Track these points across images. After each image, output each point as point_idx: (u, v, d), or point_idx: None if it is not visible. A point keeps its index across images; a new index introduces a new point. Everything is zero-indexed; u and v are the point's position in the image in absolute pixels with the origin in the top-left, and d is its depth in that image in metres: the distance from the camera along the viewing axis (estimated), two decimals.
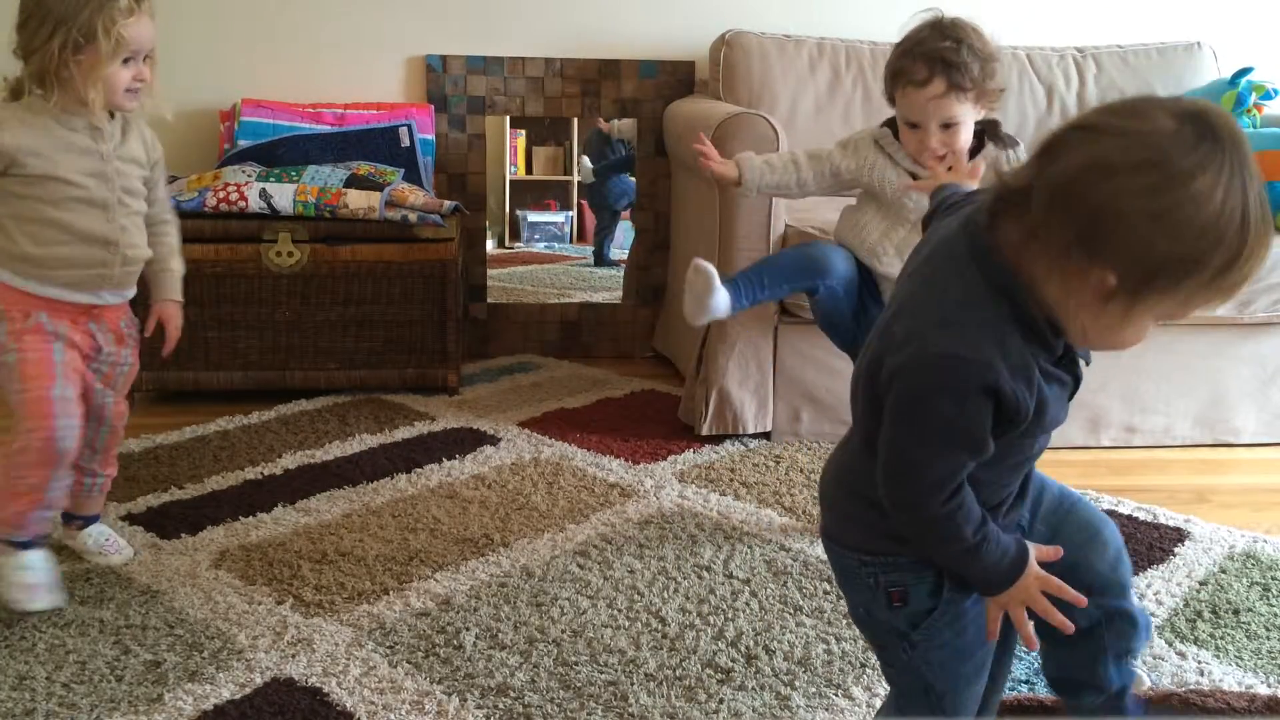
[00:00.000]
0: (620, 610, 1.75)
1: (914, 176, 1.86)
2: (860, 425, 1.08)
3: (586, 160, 4.04)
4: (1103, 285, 0.90)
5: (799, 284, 1.96)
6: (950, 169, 1.76)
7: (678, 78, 3.20)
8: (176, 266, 1.86)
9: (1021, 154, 1.83)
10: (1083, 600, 1.06)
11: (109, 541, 1.87)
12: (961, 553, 1.03)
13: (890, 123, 1.92)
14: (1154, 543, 2.04)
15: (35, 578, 1.68)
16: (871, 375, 1.03)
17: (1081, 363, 1.05)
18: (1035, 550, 1.07)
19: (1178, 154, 0.86)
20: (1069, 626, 1.04)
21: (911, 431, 0.99)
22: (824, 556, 1.94)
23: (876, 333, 1.06)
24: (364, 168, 2.79)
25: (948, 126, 1.78)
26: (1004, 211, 0.97)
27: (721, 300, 1.93)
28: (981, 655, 1.14)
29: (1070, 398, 1.05)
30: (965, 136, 1.80)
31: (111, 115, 1.69)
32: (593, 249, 4.20)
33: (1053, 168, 0.91)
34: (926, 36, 1.77)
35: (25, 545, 1.68)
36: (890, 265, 1.92)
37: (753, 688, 1.55)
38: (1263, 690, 1.57)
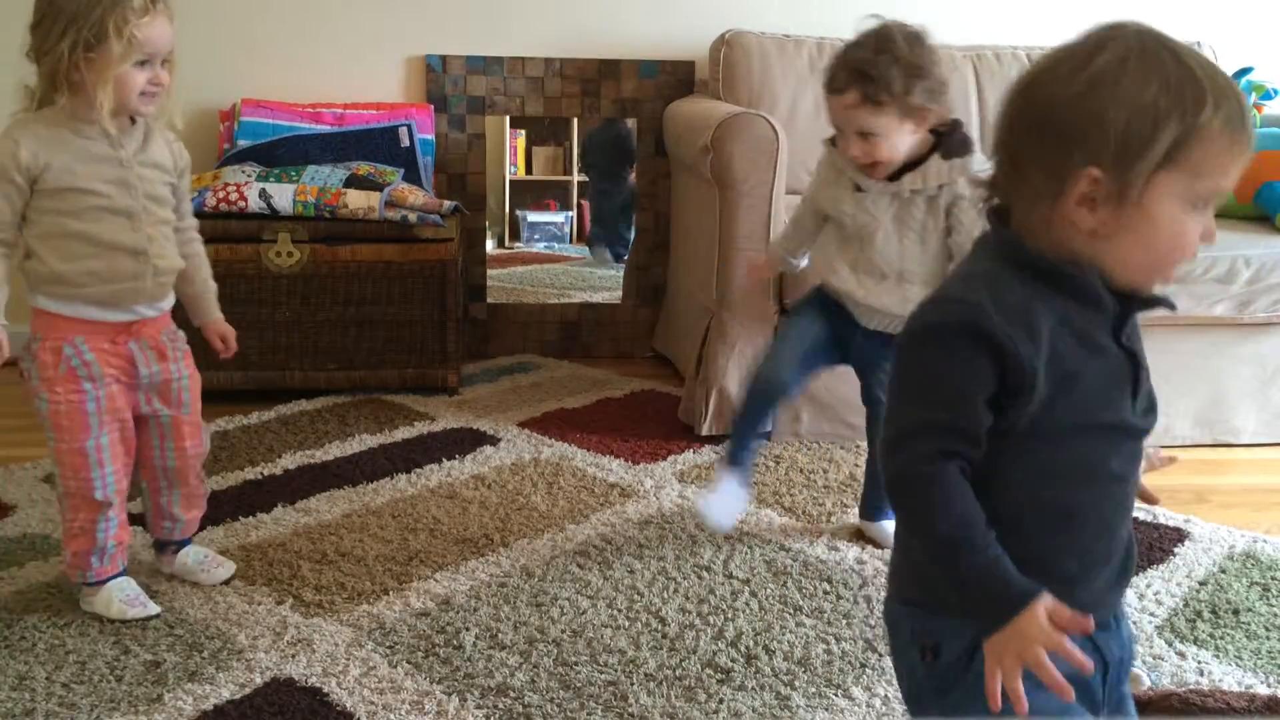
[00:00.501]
0: (620, 610, 1.75)
1: (858, 187, 1.85)
2: None
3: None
4: (1097, 185, 0.87)
5: (768, 411, 2.01)
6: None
7: (678, 78, 3.20)
8: (213, 283, 1.83)
9: (973, 161, 1.78)
10: (1088, 625, 0.87)
11: (208, 558, 1.83)
12: (941, 543, 0.89)
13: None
14: (1154, 543, 2.04)
15: (132, 592, 1.71)
16: None
17: (1140, 345, 0.94)
18: (1056, 604, 0.86)
19: (1079, 44, 0.90)
20: (1069, 694, 0.85)
21: (898, 381, 0.94)
22: (824, 556, 1.94)
23: None
24: (364, 168, 2.79)
25: (866, 136, 1.76)
26: (998, 206, 0.96)
27: (736, 494, 1.96)
28: None
29: (1134, 390, 0.94)
30: (892, 147, 1.76)
31: (132, 121, 1.63)
32: (588, 246, 4.21)
33: (996, 124, 0.95)
34: (856, 45, 1.76)
35: (101, 583, 1.70)
36: (844, 281, 1.88)
37: (753, 688, 1.55)
38: (1263, 690, 1.57)
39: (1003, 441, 0.91)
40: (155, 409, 1.72)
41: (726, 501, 1.95)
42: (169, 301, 1.72)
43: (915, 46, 1.74)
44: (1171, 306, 0.96)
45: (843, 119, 1.78)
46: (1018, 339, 0.88)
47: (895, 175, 1.81)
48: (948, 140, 1.80)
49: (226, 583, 1.81)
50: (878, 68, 1.71)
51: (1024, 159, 0.91)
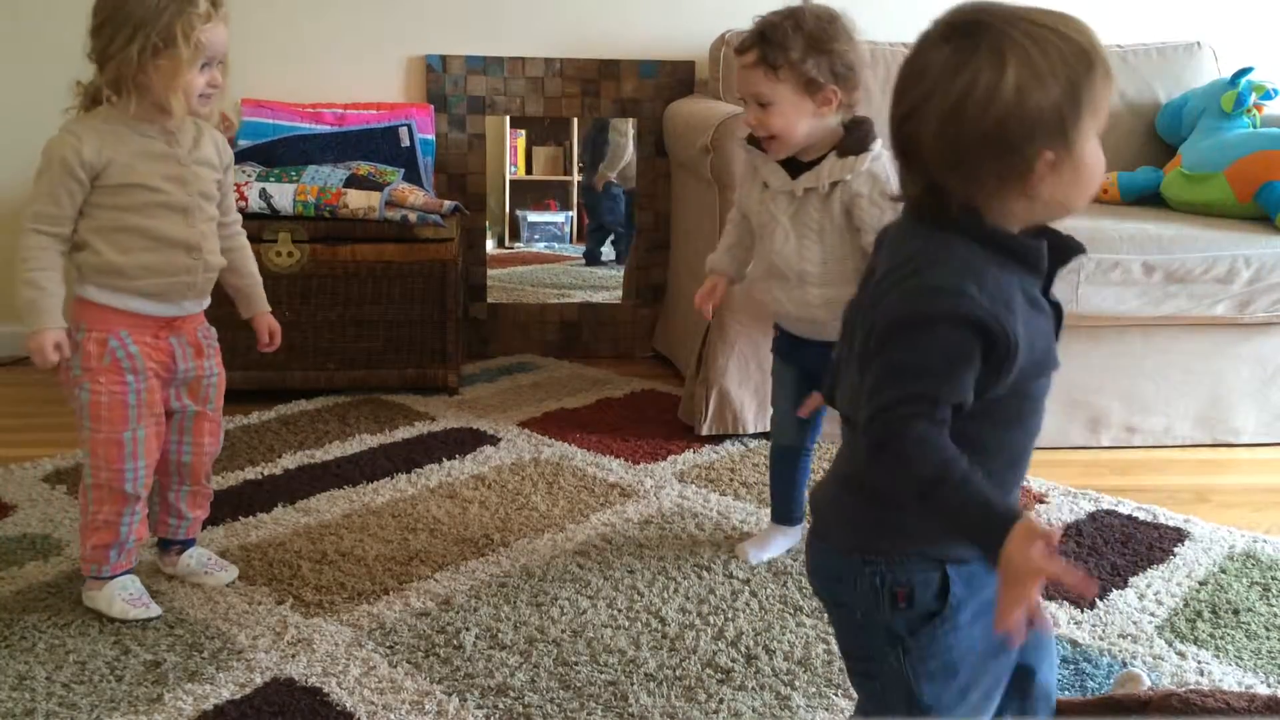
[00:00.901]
0: (620, 610, 1.75)
1: (766, 185, 1.81)
2: (860, 408, 1.05)
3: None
4: (1051, 163, 0.98)
5: (797, 466, 1.95)
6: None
7: (678, 78, 3.20)
8: (259, 276, 1.86)
9: (869, 158, 1.74)
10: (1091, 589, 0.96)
11: (211, 561, 1.84)
12: (937, 484, 0.95)
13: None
14: (1154, 543, 2.04)
15: (135, 591, 1.71)
16: (865, 349, 1.03)
17: (1061, 299, 1.08)
18: (1032, 522, 0.94)
19: (969, 57, 0.97)
20: (1093, 589, 0.93)
21: (890, 355, 0.99)
22: None
23: (858, 314, 1.07)
24: (364, 168, 2.79)
25: (764, 105, 1.72)
26: (935, 209, 1.03)
27: (788, 534, 1.97)
28: (973, 674, 1.06)
29: (1057, 333, 1.07)
30: (788, 123, 1.72)
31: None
32: (585, 248, 4.20)
33: (919, 148, 1.01)
34: (769, 13, 1.74)
35: (112, 577, 1.71)
36: (763, 290, 1.86)
37: (753, 688, 1.55)
38: (1263, 690, 1.57)
39: (976, 399, 0.99)
40: (183, 404, 1.75)
41: (774, 547, 1.96)
42: (209, 299, 1.76)
43: (824, 23, 1.72)
44: (1083, 250, 1.09)
45: (742, 81, 1.75)
46: (1003, 319, 0.96)
47: (795, 173, 1.78)
48: (846, 137, 1.77)
49: (229, 585, 1.81)
50: (779, 31, 1.70)
51: (980, 168, 0.99)
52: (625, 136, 3.80)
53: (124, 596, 1.69)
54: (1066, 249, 1.07)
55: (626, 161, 3.86)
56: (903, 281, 1.00)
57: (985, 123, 0.97)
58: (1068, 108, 0.97)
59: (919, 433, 0.95)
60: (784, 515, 1.97)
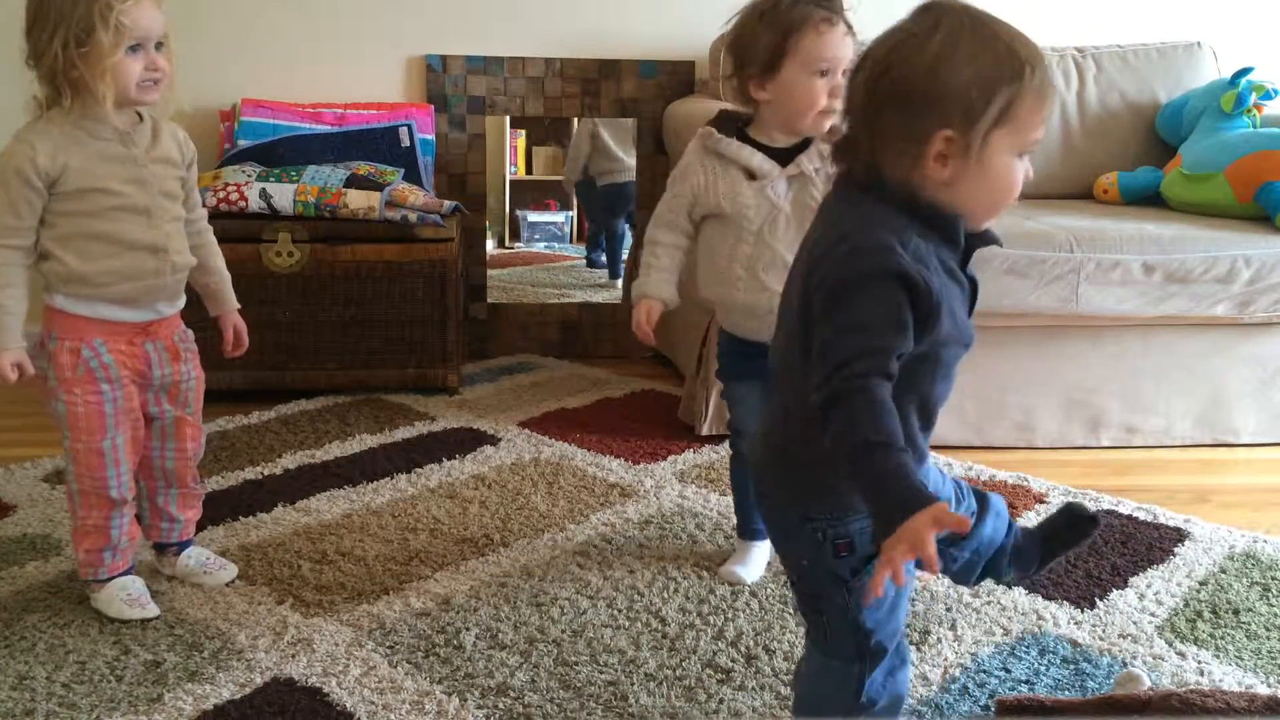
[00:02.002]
0: (620, 610, 1.75)
1: (750, 175, 1.71)
2: (791, 382, 1.13)
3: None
4: (949, 144, 1.04)
5: (739, 458, 1.88)
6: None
7: (678, 78, 3.21)
8: (228, 273, 1.83)
9: None
10: (966, 525, 1.00)
11: (210, 560, 1.83)
12: (862, 448, 0.98)
13: (716, 122, 1.77)
14: (1154, 543, 2.04)
15: (136, 591, 1.71)
16: (804, 312, 1.09)
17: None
18: (944, 510, 0.97)
19: (913, 24, 1.06)
20: (936, 569, 0.97)
21: (833, 314, 1.04)
22: None
23: (794, 281, 1.13)
24: (364, 168, 2.79)
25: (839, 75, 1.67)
26: (846, 156, 1.12)
27: (762, 550, 1.90)
28: (899, 594, 1.19)
29: (971, 308, 1.13)
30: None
31: (141, 118, 1.64)
32: (586, 250, 4.20)
33: (850, 100, 1.11)
34: None
35: (111, 579, 1.71)
36: (749, 292, 1.73)
37: (753, 688, 1.55)
38: (1263, 690, 1.57)
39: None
40: (162, 409, 1.74)
41: (756, 561, 1.88)
42: (182, 300, 1.73)
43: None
44: (999, 243, 1.15)
45: (835, 52, 1.65)
46: (926, 276, 1.03)
47: (785, 156, 1.71)
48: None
49: (229, 585, 1.81)
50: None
51: (886, 128, 1.06)
52: (584, 136, 3.83)
53: (122, 597, 1.69)
54: (982, 235, 1.13)
55: (583, 160, 3.89)
56: (833, 248, 1.06)
57: (900, 80, 1.04)
58: (976, 96, 1.03)
59: (874, 391, 1.00)
60: (756, 530, 1.90)
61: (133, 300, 1.64)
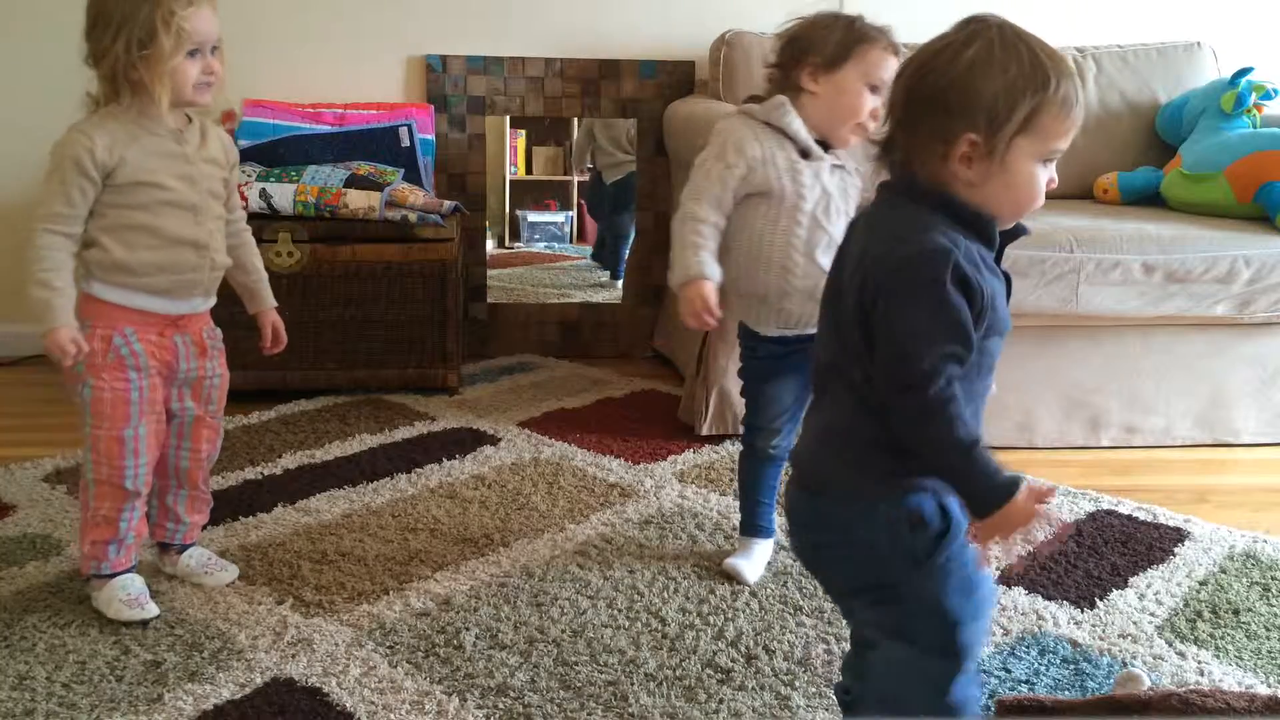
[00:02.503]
0: (620, 610, 1.75)
1: (803, 153, 1.71)
2: (847, 378, 1.16)
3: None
4: (973, 146, 1.11)
5: (768, 474, 1.89)
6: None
7: (678, 78, 3.20)
8: (265, 273, 1.87)
9: None
10: (1053, 493, 1.12)
11: (211, 561, 1.83)
12: (959, 450, 1.08)
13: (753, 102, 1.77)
14: (1154, 543, 2.04)
15: (136, 591, 1.71)
16: (860, 310, 1.13)
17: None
18: (1032, 485, 1.11)
19: (953, 35, 1.14)
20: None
21: (904, 321, 1.09)
22: None
23: (844, 282, 1.17)
24: (364, 168, 2.79)
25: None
26: (887, 157, 1.19)
27: (765, 548, 1.90)
28: (984, 591, 1.20)
29: (1008, 299, 1.19)
30: None
31: (189, 119, 1.67)
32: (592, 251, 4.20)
33: (890, 101, 1.19)
34: (847, 16, 1.75)
35: (113, 575, 1.71)
36: (808, 277, 1.71)
37: (753, 688, 1.55)
38: (1263, 690, 1.57)
39: None
40: (184, 405, 1.75)
41: (759, 558, 1.88)
42: (214, 298, 1.76)
43: None
44: (1027, 231, 1.23)
45: (886, 81, 1.67)
46: (978, 275, 1.10)
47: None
48: None
49: (228, 585, 1.81)
50: None
51: (920, 127, 1.14)
52: (585, 134, 3.84)
53: (121, 597, 1.69)
54: (1012, 230, 1.20)
55: (585, 156, 3.90)
56: (892, 251, 1.12)
57: (936, 84, 1.12)
58: (1001, 104, 1.10)
59: (957, 396, 1.07)
60: (762, 528, 1.90)
61: (169, 291, 1.66)
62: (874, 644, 1.23)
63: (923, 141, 1.14)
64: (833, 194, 1.74)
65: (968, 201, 1.14)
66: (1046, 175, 1.16)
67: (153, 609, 1.70)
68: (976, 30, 1.13)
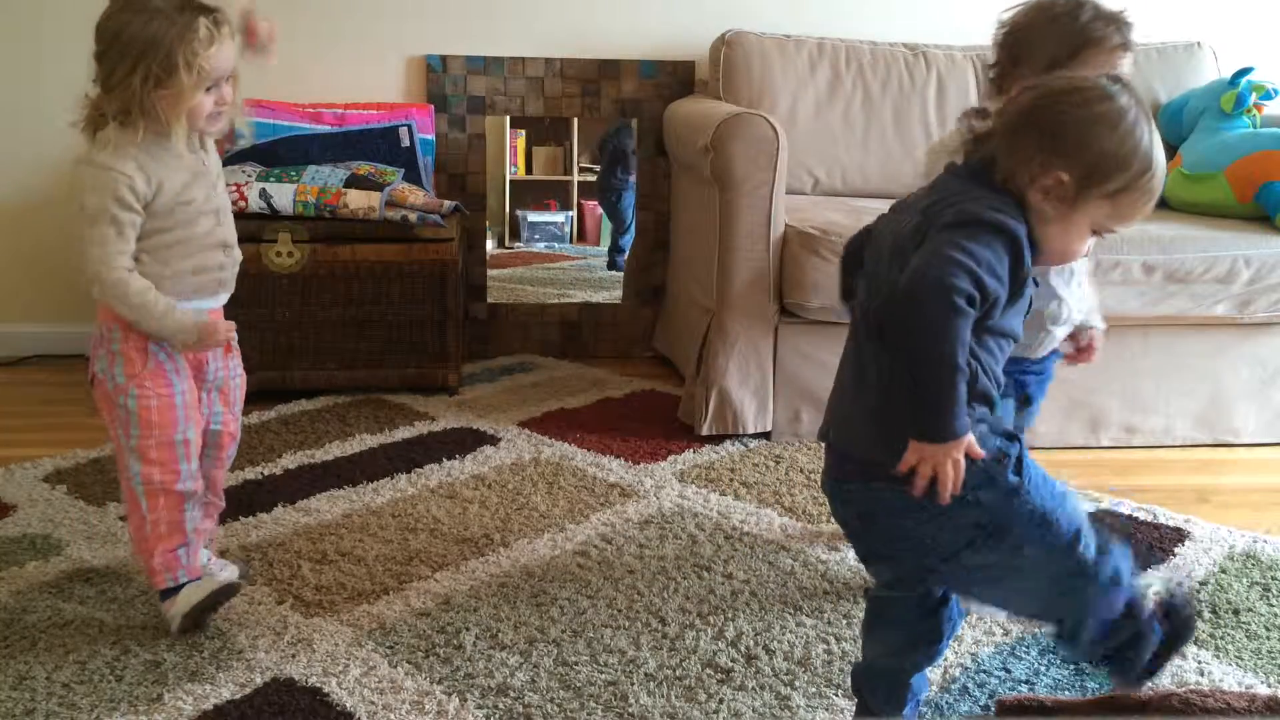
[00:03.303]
0: (620, 610, 1.75)
1: None
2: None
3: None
4: (1060, 186, 1.19)
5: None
6: None
7: (678, 78, 3.20)
8: None
9: None
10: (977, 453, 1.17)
11: (211, 561, 1.82)
12: (949, 368, 1.12)
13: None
14: (1154, 543, 2.04)
15: (208, 584, 1.67)
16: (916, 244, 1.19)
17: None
18: (970, 443, 1.17)
19: (1102, 84, 1.21)
20: (946, 497, 1.16)
21: (954, 238, 1.14)
22: (824, 556, 1.94)
23: (880, 259, 1.25)
24: (364, 168, 2.79)
25: None
26: (978, 149, 1.25)
27: None
28: (1043, 477, 1.25)
29: (1026, 313, 1.26)
30: None
31: None
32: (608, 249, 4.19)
33: (1011, 107, 1.25)
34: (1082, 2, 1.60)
35: (187, 582, 1.66)
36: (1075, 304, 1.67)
37: (753, 688, 1.55)
38: (1263, 690, 1.57)
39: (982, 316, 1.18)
40: (212, 410, 1.74)
41: None
42: (231, 291, 1.75)
43: None
44: (1036, 283, 1.27)
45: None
46: (1030, 252, 1.19)
47: None
48: None
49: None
50: None
51: (1024, 143, 1.20)
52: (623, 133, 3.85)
53: (200, 584, 1.66)
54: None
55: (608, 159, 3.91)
56: (958, 203, 1.19)
57: (1060, 117, 1.19)
58: (1105, 166, 1.18)
59: (966, 313, 1.11)
60: None
61: (198, 292, 1.66)
62: (994, 581, 1.27)
63: (1019, 157, 1.20)
64: None
65: (1024, 215, 1.20)
66: (1091, 242, 1.25)
67: (233, 567, 1.76)
68: (1119, 91, 1.20)
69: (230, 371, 1.75)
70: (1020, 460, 1.22)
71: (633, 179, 3.58)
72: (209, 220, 1.65)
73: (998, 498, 1.21)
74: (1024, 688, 1.56)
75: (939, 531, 1.23)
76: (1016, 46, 1.61)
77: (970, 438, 1.15)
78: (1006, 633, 1.70)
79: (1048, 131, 1.19)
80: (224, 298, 1.73)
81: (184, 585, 1.66)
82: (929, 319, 1.12)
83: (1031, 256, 1.19)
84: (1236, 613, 1.79)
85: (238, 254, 1.73)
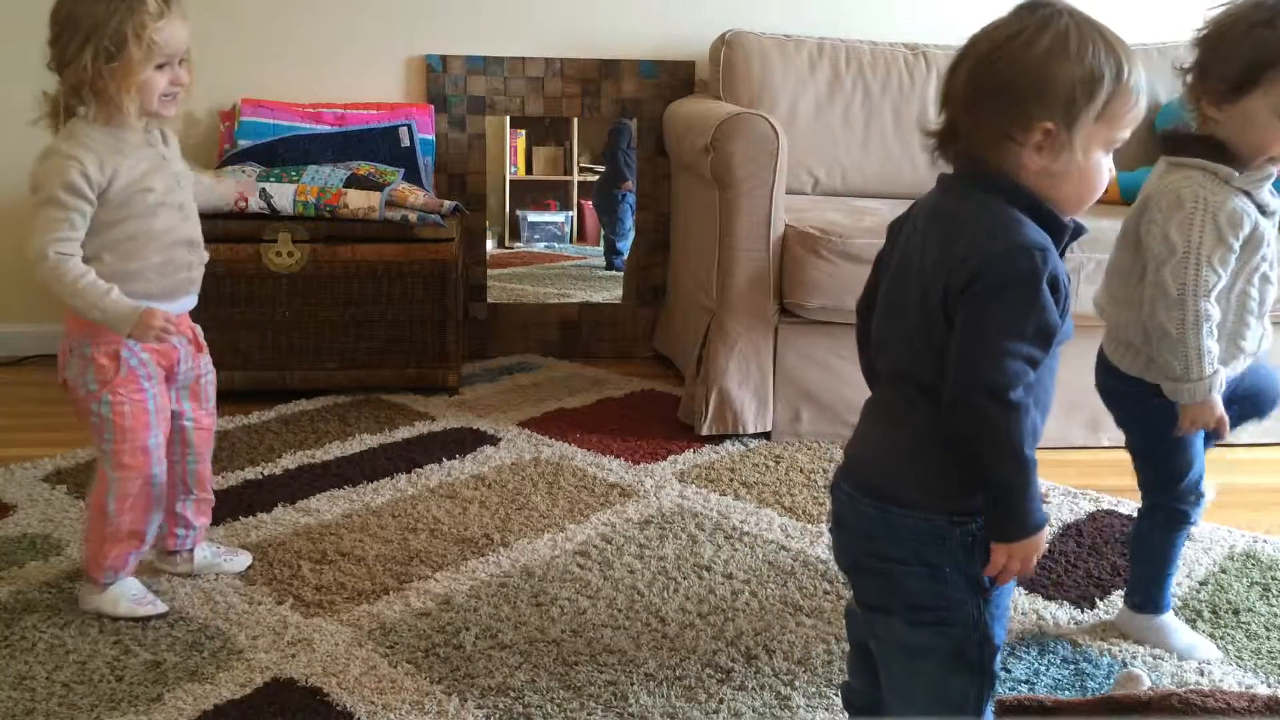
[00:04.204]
0: (620, 610, 1.75)
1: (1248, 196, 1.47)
2: (926, 377, 1.12)
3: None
4: (1048, 135, 1.09)
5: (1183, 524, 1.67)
6: None
7: (678, 78, 3.20)
8: None
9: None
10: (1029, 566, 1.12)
11: (221, 550, 1.85)
12: (1018, 464, 1.06)
13: (1185, 141, 1.54)
14: None
15: (139, 590, 1.72)
16: (944, 309, 1.10)
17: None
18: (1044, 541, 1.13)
19: (1021, 21, 1.10)
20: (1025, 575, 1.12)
21: (992, 318, 1.07)
22: (824, 556, 1.94)
23: (923, 276, 1.12)
24: (364, 168, 2.79)
25: None
26: (948, 148, 1.16)
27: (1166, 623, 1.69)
28: (1003, 612, 1.21)
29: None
30: None
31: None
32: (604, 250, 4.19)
33: (951, 87, 1.14)
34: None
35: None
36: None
37: (753, 688, 1.55)
38: (1263, 690, 1.57)
39: None
40: (182, 408, 1.75)
41: (1186, 630, 1.69)
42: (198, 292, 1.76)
43: None
44: (1085, 230, 1.18)
45: None
46: (1063, 272, 1.09)
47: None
48: None
49: (237, 577, 1.82)
50: None
51: (988, 116, 1.11)
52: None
53: (131, 595, 1.70)
54: (1075, 230, 1.16)
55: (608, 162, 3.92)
56: (985, 247, 1.08)
57: (1008, 72, 1.09)
58: (1080, 91, 1.08)
59: (1012, 401, 1.05)
60: (1165, 602, 1.67)
61: (166, 293, 1.66)
62: (899, 658, 1.19)
63: (991, 131, 1.11)
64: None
65: (1035, 191, 1.11)
66: (1108, 164, 1.14)
67: (162, 605, 1.71)
68: (1048, 17, 1.10)
69: (201, 369, 1.76)
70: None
71: (631, 190, 3.61)
72: (171, 214, 1.65)
73: (964, 587, 1.15)
74: (1024, 688, 1.56)
75: (904, 581, 1.16)
76: (1207, 56, 1.48)
77: (1044, 537, 1.10)
78: (1006, 632, 1.70)
79: (1004, 93, 1.10)
80: (191, 301, 1.72)
81: (119, 580, 1.70)
82: (990, 425, 1.06)
83: (1057, 220, 1.11)
84: (1236, 613, 1.79)
85: (204, 254, 1.72)
